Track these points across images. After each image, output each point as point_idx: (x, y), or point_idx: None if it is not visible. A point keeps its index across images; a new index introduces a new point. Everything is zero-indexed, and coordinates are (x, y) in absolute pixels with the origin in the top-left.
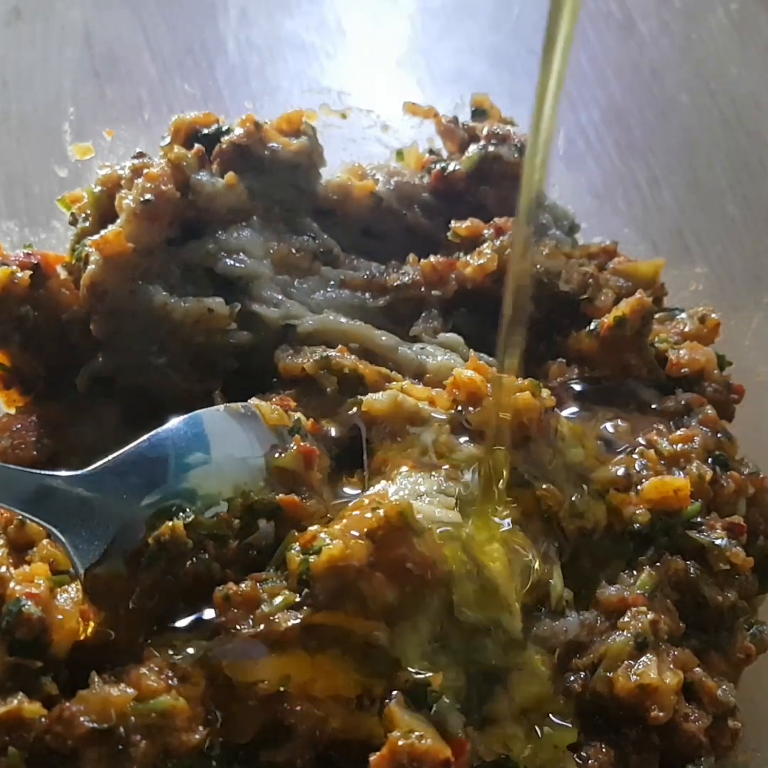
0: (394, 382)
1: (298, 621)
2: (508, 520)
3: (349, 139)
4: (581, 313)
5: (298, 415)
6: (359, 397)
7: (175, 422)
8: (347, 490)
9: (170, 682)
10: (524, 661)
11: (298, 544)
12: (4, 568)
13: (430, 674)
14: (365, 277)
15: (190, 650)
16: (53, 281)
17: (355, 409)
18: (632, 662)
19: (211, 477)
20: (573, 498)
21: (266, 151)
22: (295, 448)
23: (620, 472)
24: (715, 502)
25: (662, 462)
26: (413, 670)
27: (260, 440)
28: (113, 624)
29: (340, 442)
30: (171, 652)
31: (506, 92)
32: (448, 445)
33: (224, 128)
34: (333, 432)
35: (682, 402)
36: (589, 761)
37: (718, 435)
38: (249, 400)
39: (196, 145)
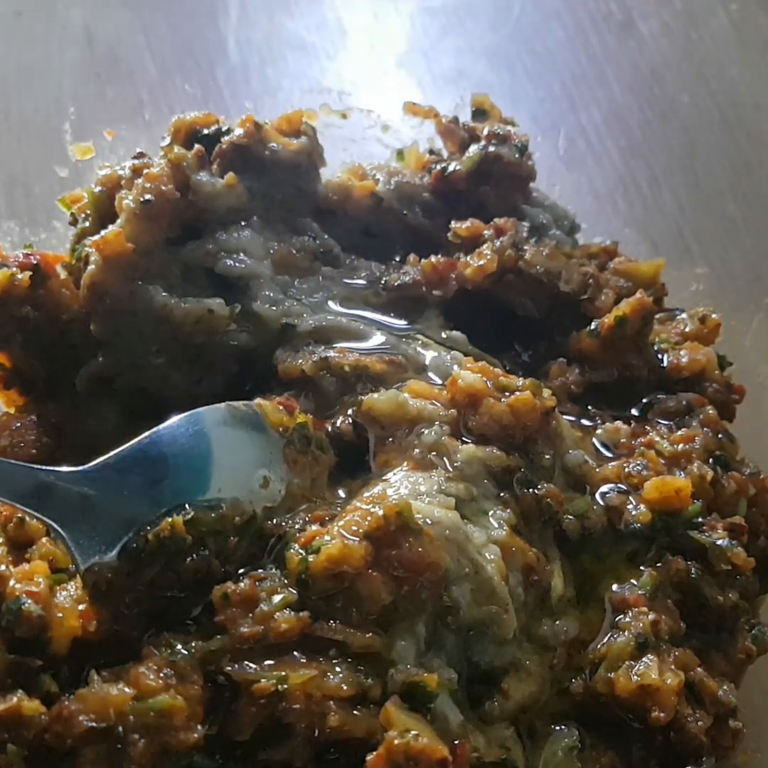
0: (406, 373)
1: (297, 622)
2: (508, 520)
3: (349, 139)
4: (582, 313)
5: (302, 415)
6: (360, 397)
7: (176, 420)
8: (348, 489)
9: (169, 681)
10: (523, 662)
11: (297, 543)
12: (3, 567)
13: (426, 674)
14: (365, 277)
15: (189, 649)
16: (53, 281)
17: (352, 409)
18: (633, 663)
19: (212, 474)
20: (573, 498)
21: (266, 151)
22: None
23: (621, 472)
24: (716, 502)
25: (663, 462)
26: (410, 671)
27: (262, 439)
28: (113, 621)
29: (342, 442)
30: (170, 651)
31: (506, 92)
32: (448, 445)
33: (224, 128)
34: (334, 432)
35: (683, 402)
36: (590, 762)
37: (719, 435)
38: (253, 400)
39: (196, 146)
